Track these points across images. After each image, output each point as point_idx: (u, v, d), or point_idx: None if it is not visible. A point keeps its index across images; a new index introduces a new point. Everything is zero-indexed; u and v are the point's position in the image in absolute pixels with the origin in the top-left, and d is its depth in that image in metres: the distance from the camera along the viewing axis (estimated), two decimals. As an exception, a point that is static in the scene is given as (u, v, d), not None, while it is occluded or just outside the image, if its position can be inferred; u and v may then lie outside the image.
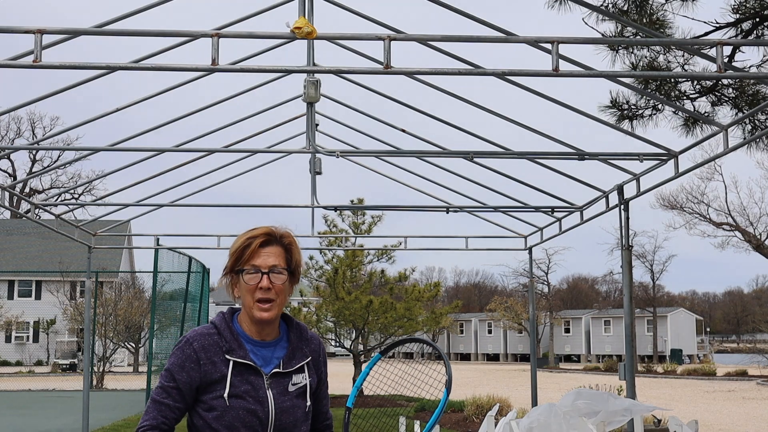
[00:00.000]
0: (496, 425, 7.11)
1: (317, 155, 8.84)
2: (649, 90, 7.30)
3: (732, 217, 37.26)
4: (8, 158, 56.47)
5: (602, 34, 7.05)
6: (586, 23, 6.82)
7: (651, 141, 7.26)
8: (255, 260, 2.49)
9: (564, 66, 4.94)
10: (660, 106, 7.44)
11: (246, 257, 2.50)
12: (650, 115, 7.56)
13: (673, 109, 7.29)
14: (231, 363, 2.48)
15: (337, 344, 24.67)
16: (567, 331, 58.03)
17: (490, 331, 60.39)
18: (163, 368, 2.56)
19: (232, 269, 2.52)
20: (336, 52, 7.34)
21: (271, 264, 2.50)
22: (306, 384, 2.61)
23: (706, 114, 7.25)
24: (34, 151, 52.85)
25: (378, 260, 23.09)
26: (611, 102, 7.51)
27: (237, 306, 2.60)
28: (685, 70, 7.16)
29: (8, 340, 46.52)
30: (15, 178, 54.29)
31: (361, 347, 22.60)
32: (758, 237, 36.15)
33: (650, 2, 6.97)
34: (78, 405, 13.97)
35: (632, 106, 7.53)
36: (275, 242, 2.54)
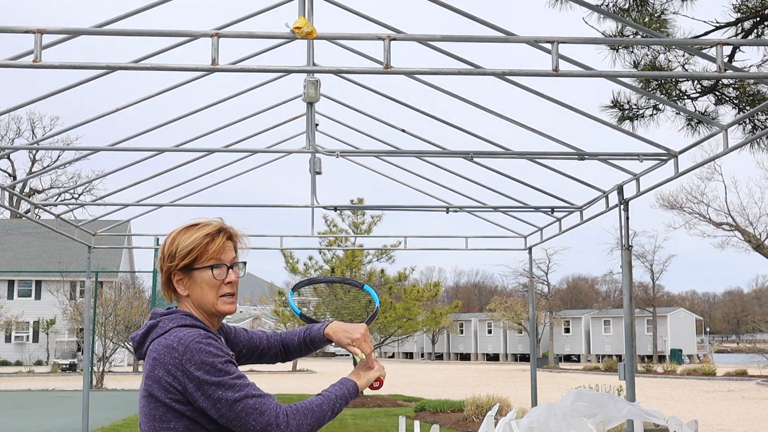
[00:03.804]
0: (495, 425, 7.11)
1: (317, 155, 8.84)
2: (650, 90, 7.30)
3: (732, 217, 37.29)
4: (8, 158, 56.50)
5: (603, 34, 7.05)
6: (586, 22, 6.82)
7: (651, 141, 7.27)
8: (221, 254, 2.43)
9: (564, 66, 4.94)
10: (661, 106, 7.44)
11: (211, 252, 2.41)
12: (651, 115, 7.56)
13: (675, 110, 7.29)
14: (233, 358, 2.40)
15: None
16: (567, 331, 58.05)
17: (490, 331, 60.41)
18: (210, 366, 2.21)
19: (189, 266, 2.39)
20: (336, 52, 7.34)
21: (232, 258, 2.47)
22: None
23: (707, 114, 7.25)
24: (34, 151, 52.87)
25: (378, 260, 23.11)
26: (612, 102, 7.51)
27: (174, 306, 2.45)
28: (686, 70, 7.16)
29: (8, 340, 46.53)
30: (15, 178, 54.31)
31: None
32: (758, 237, 36.16)
33: (651, 1, 6.97)
34: (78, 405, 13.98)
35: (633, 106, 7.54)
36: (230, 237, 2.50)
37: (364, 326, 2.63)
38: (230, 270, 2.45)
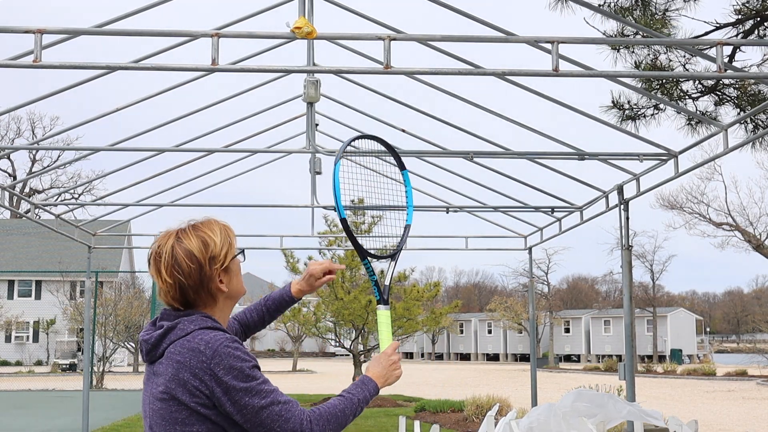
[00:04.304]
0: (496, 425, 7.11)
1: (317, 155, 8.85)
2: (651, 90, 7.30)
3: (732, 217, 37.29)
4: (8, 158, 56.49)
5: (603, 34, 7.06)
6: (587, 23, 6.82)
7: (651, 141, 7.27)
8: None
9: (564, 66, 4.94)
10: (662, 105, 7.44)
11: (234, 240, 2.45)
12: (652, 115, 7.56)
13: (675, 109, 7.29)
14: None
15: (337, 344, 24.69)
16: (567, 331, 58.04)
17: (490, 331, 60.39)
18: (238, 371, 2.20)
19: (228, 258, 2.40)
20: (336, 52, 7.35)
21: None
22: None
23: (708, 113, 7.25)
24: (34, 151, 52.87)
25: (378, 260, 23.11)
26: (613, 102, 7.51)
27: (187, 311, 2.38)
28: (686, 70, 7.16)
29: (8, 340, 46.54)
30: (15, 178, 54.29)
31: (360, 347, 22.61)
32: (758, 237, 36.16)
33: (653, 1, 6.97)
34: (78, 405, 13.98)
35: (634, 107, 7.54)
36: None
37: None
38: None
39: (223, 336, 2.26)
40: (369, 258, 2.84)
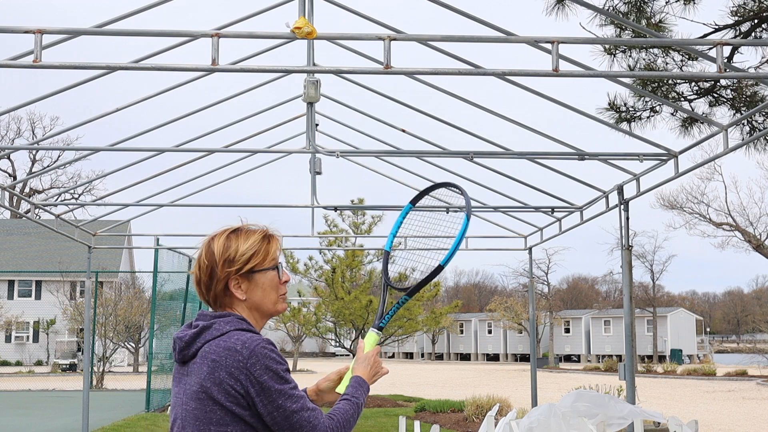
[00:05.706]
0: (496, 425, 7.11)
1: (317, 155, 8.85)
2: (647, 91, 7.30)
3: (732, 217, 37.29)
4: (8, 158, 56.49)
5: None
6: (584, 28, 6.82)
7: (651, 141, 7.27)
8: (276, 255, 2.48)
9: (564, 66, 4.94)
10: (657, 108, 7.44)
11: (272, 253, 2.45)
12: (648, 117, 7.57)
13: (672, 110, 7.30)
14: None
15: (337, 344, 24.70)
16: (567, 331, 58.04)
17: (490, 331, 60.40)
18: (274, 373, 2.24)
19: (251, 269, 2.41)
20: (336, 52, 7.35)
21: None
22: None
23: (703, 114, 7.26)
24: (34, 151, 52.87)
25: (378, 260, 23.12)
26: (609, 104, 7.51)
27: (218, 311, 2.43)
28: (683, 72, 7.16)
29: (8, 340, 46.54)
30: (15, 178, 54.28)
31: (361, 347, 22.60)
32: (758, 237, 36.17)
33: (650, 4, 6.97)
34: (78, 405, 13.98)
35: (630, 108, 7.54)
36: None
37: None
38: (284, 269, 2.52)
39: (259, 338, 2.30)
40: (390, 289, 2.89)
